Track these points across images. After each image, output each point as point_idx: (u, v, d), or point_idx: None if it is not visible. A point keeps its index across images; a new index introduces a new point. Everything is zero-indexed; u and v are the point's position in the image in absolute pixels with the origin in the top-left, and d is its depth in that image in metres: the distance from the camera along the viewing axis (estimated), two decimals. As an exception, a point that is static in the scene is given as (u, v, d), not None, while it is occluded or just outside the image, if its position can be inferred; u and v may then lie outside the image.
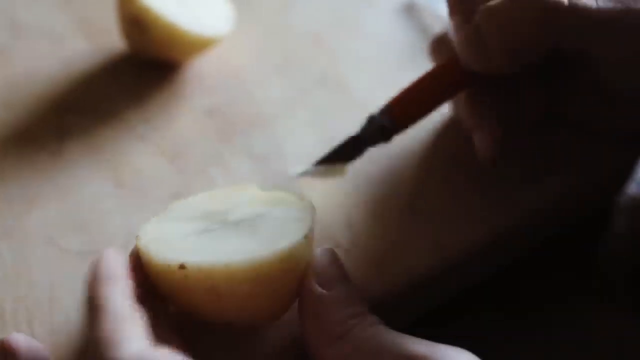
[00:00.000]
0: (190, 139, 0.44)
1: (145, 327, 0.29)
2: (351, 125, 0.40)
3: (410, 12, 0.52)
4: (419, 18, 0.51)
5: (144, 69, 0.48)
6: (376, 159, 0.42)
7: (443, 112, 0.43)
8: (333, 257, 0.33)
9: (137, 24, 0.45)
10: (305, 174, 0.40)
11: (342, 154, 0.39)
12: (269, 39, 0.51)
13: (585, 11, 0.34)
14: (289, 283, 0.32)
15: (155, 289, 0.32)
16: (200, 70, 0.48)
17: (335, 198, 0.40)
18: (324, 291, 0.31)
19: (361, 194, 0.41)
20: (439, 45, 0.42)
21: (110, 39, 0.49)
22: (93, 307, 0.30)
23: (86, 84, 0.47)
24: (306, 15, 0.52)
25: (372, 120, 0.38)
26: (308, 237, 0.32)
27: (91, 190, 0.41)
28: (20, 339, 0.31)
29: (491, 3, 0.36)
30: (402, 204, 0.40)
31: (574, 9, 0.34)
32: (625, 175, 0.44)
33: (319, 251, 0.33)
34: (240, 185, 0.37)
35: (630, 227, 0.43)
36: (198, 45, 0.47)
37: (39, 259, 0.38)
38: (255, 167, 0.42)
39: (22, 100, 0.46)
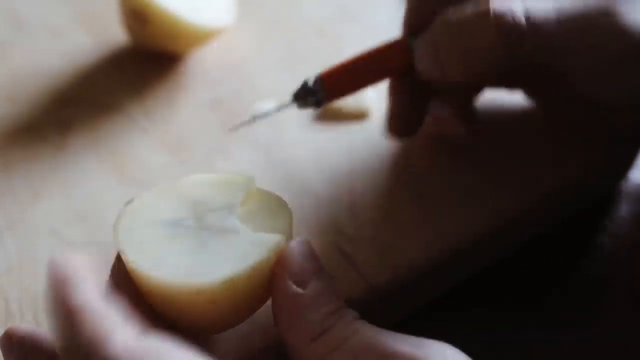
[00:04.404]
0: (193, 130, 0.44)
1: (127, 315, 0.26)
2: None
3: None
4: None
5: (146, 62, 0.48)
6: (380, 148, 0.42)
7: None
8: (307, 250, 0.30)
9: (139, 16, 0.45)
10: (238, 127, 0.40)
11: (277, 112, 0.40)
12: (271, 30, 0.51)
13: (545, 26, 0.32)
14: (214, 309, 0.29)
15: None
16: (202, 62, 0.48)
17: (340, 187, 0.40)
18: (299, 289, 0.29)
19: (365, 182, 0.41)
20: None
21: (112, 32, 0.49)
22: (62, 314, 0.26)
23: (88, 77, 0.47)
24: (309, 6, 0.52)
25: (304, 86, 0.39)
26: (255, 269, 0.29)
27: (95, 183, 0.41)
28: (24, 329, 0.31)
29: (449, 16, 0.34)
30: (406, 193, 0.40)
31: (533, 28, 0.32)
32: (626, 164, 0.44)
33: (291, 244, 0.30)
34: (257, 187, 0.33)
35: (635, 213, 0.43)
36: (200, 37, 0.47)
37: (43, 251, 0.38)
38: (259, 158, 0.42)
39: (25, 94, 0.46)
